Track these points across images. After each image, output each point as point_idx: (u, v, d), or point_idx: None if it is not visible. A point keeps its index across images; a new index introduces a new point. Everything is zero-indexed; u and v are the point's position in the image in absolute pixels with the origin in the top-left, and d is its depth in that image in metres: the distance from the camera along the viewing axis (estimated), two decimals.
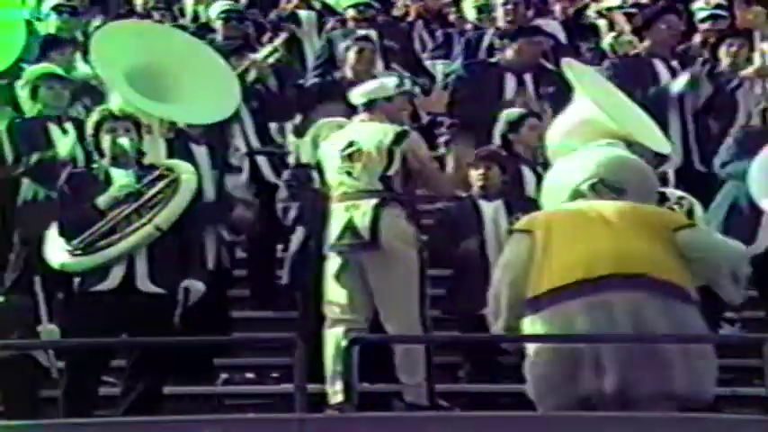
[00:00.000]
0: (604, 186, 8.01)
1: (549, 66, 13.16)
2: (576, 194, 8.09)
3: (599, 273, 7.66)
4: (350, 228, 9.84)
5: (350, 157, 9.94)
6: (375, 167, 9.88)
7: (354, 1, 14.83)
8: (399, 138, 9.93)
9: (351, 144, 10.02)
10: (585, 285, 7.66)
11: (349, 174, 9.94)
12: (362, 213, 9.82)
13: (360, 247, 9.82)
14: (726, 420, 8.20)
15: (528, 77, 12.68)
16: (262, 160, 12.13)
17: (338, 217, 9.94)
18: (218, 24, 14.24)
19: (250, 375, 11.09)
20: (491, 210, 10.55)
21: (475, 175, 10.79)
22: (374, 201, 9.84)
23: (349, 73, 12.88)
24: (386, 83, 10.57)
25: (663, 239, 7.76)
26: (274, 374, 10.90)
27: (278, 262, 11.57)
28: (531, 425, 7.81)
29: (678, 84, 12.30)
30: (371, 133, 10.03)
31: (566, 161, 8.47)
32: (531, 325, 7.77)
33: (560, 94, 11.85)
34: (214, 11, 14.49)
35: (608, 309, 7.62)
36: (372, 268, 9.84)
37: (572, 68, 10.71)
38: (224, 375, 11.01)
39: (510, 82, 12.64)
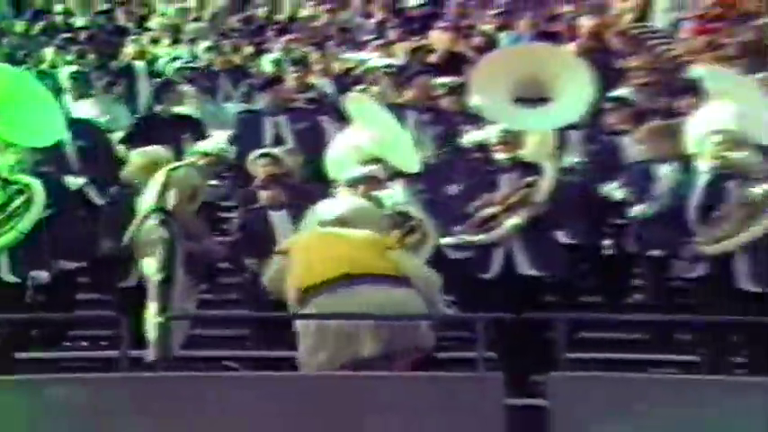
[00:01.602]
0: (345, 223, 8.31)
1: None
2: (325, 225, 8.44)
3: (352, 271, 8.01)
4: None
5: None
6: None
7: (180, 66, 14.88)
8: (172, 171, 9.70)
9: None
10: (343, 280, 7.99)
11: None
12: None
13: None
14: (452, 377, 8.43)
15: (282, 119, 12.60)
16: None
17: None
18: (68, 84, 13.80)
19: (85, 344, 10.93)
20: (277, 218, 10.55)
21: (264, 193, 10.84)
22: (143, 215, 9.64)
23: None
24: None
25: (382, 253, 8.13)
26: (103, 342, 10.69)
27: None
28: (306, 383, 8.06)
29: None
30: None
31: (324, 204, 8.73)
32: (311, 308, 8.05)
33: (309, 130, 12.06)
34: (65, 73, 14.16)
35: (362, 294, 7.94)
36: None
37: (354, 102, 10.86)
38: (68, 344, 10.86)
39: (267, 124, 12.58)
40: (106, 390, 8.03)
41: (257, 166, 10.99)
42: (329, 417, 7.78)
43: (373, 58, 14.97)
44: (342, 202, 8.81)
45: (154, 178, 9.57)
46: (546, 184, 9.58)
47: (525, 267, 9.55)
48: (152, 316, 8.95)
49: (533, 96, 10.24)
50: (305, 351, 8.07)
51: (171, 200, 9.47)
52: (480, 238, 9.60)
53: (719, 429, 7.64)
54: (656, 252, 9.98)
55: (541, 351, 8.94)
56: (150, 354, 8.90)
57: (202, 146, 10.69)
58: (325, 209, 8.57)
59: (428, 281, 8.29)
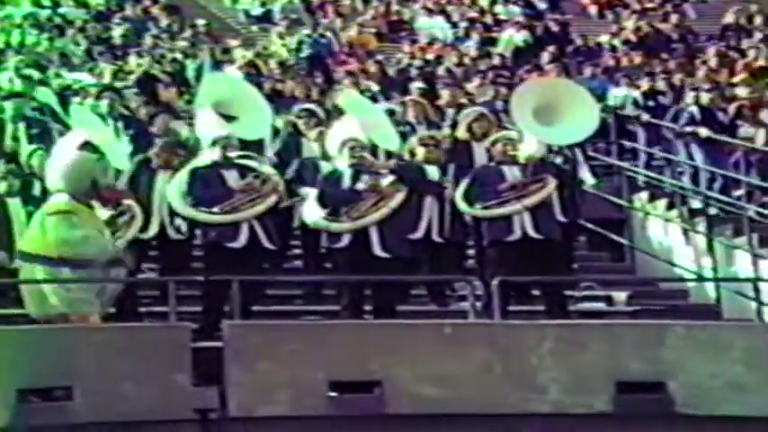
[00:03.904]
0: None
1: None
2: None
3: None
4: None
5: None
6: None
7: None
8: None
9: None
10: None
11: None
12: None
13: None
14: (151, 326, 8.44)
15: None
16: None
17: None
18: None
19: None
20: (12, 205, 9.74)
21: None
22: None
23: None
24: None
25: None
26: None
27: None
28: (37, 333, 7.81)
29: None
30: None
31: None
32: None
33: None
34: None
35: None
36: None
37: (75, 112, 10.53)
38: None
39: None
40: None
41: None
42: (50, 359, 7.60)
43: (85, 79, 14.64)
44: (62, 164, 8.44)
45: None
46: (274, 179, 9.44)
47: (265, 241, 9.29)
48: None
49: (228, 113, 10.15)
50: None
51: None
52: (229, 217, 9.23)
53: (347, 359, 7.86)
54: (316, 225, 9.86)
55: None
56: None
57: None
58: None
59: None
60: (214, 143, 9.57)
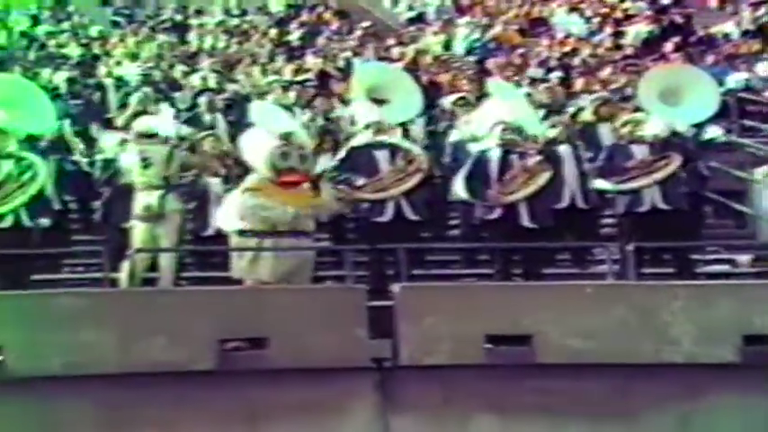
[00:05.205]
0: None
1: None
2: None
3: None
4: (147, 205, 9.01)
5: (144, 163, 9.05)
6: (159, 170, 9.06)
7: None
8: (171, 154, 9.17)
9: (144, 158, 9.09)
10: None
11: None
12: (155, 197, 9.01)
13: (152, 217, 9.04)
14: (332, 288, 8.55)
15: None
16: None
17: (140, 198, 9.06)
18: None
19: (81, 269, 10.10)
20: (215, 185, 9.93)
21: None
22: (160, 191, 9.02)
23: None
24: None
25: None
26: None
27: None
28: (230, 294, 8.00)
29: None
30: (158, 151, 9.18)
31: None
32: None
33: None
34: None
35: None
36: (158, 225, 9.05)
37: (257, 107, 10.56)
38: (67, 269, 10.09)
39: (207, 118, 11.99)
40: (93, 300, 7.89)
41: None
42: (249, 315, 7.76)
43: (269, 76, 14.93)
44: None
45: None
46: (420, 159, 9.44)
47: (409, 213, 9.38)
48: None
49: (380, 98, 10.18)
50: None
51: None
52: (378, 195, 9.30)
53: (502, 316, 7.82)
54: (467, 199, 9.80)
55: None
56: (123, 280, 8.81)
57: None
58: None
59: None
60: (367, 126, 9.62)
